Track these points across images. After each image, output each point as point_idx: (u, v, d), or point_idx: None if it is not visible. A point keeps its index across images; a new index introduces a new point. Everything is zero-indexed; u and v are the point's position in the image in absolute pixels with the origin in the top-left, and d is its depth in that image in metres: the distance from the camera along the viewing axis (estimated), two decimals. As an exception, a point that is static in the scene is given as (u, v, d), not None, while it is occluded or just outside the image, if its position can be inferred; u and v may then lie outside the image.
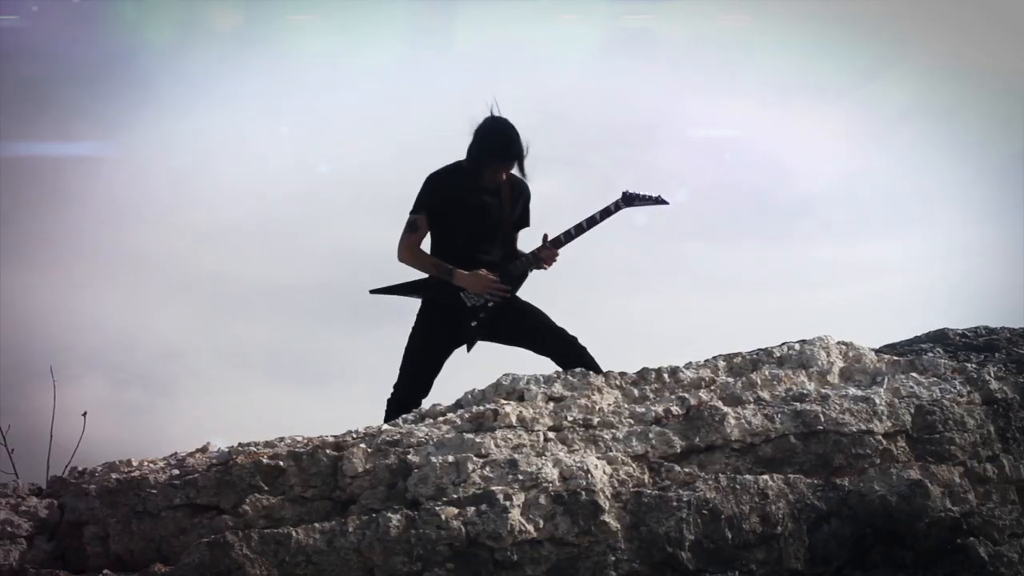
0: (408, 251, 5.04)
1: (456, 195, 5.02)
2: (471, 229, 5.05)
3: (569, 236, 5.00)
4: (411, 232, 5.03)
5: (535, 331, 5.00)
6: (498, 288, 5.01)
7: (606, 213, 4.97)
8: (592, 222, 5.00)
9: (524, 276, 5.08)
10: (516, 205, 5.12)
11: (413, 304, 5.20)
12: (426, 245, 5.11)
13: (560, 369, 4.66)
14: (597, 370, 4.77)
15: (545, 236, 5.07)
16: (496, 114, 5.00)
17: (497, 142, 5.00)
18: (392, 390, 5.07)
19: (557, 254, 5.05)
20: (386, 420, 4.91)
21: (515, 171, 5.02)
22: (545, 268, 5.08)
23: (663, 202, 5.00)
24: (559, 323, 5.04)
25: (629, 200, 4.97)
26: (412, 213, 5.05)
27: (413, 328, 5.11)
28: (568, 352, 4.90)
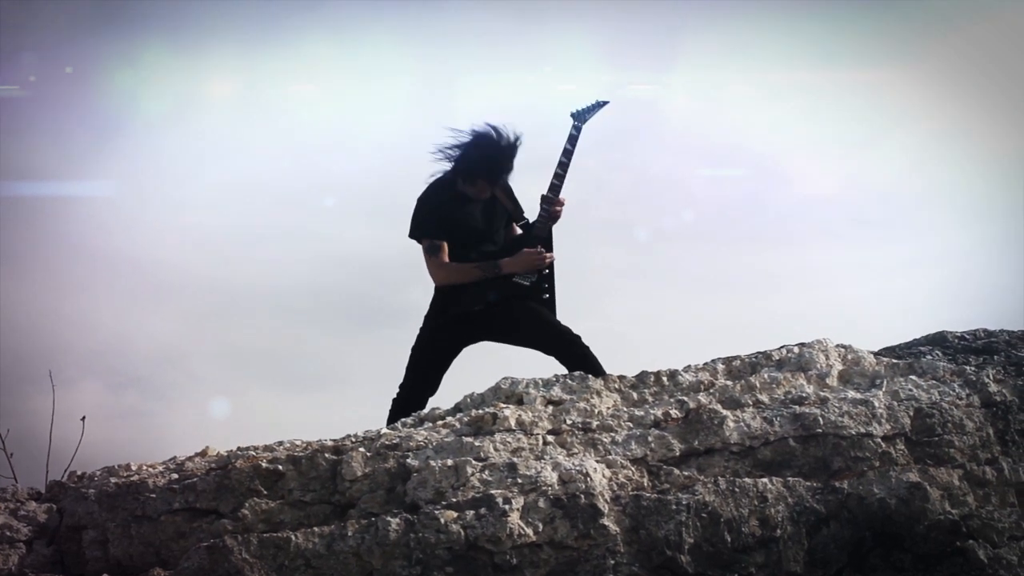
0: (444, 270, 5.02)
1: (452, 210, 5.05)
2: (477, 236, 5.06)
3: (560, 178, 5.05)
4: (435, 254, 5.01)
5: (541, 331, 5.01)
6: (543, 256, 5.05)
7: (572, 141, 5.04)
8: (568, 155, 5.05)
9: (551, 235, 5.11)
10: (509, 199, 5.17)
11: (412, 307, 5.20)
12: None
13: (559, 373, 4.65)
14: (599, 370, 4.78)
15: (542, 196, 5.08)
16: (497, 133, 5.03)
17: (492, 165, 5.04)
18: (398, 389, 5.06)
19: (560, 200, 5.07)
20: (390, 419, 4.92)
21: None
22: (559, 214, 5.09)
23: (605, 102, 5.09)
24: (563, 324, 5.05)
25: (580, 117, 5.05)
26: (423, 239, 5.03)
27: (421, 328, 5.11)
28: (571, 352, 4.90)
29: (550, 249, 5.09)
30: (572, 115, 5.05)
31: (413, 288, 5.17)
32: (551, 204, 5.05)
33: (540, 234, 5.07)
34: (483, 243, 5.07)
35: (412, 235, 5.07)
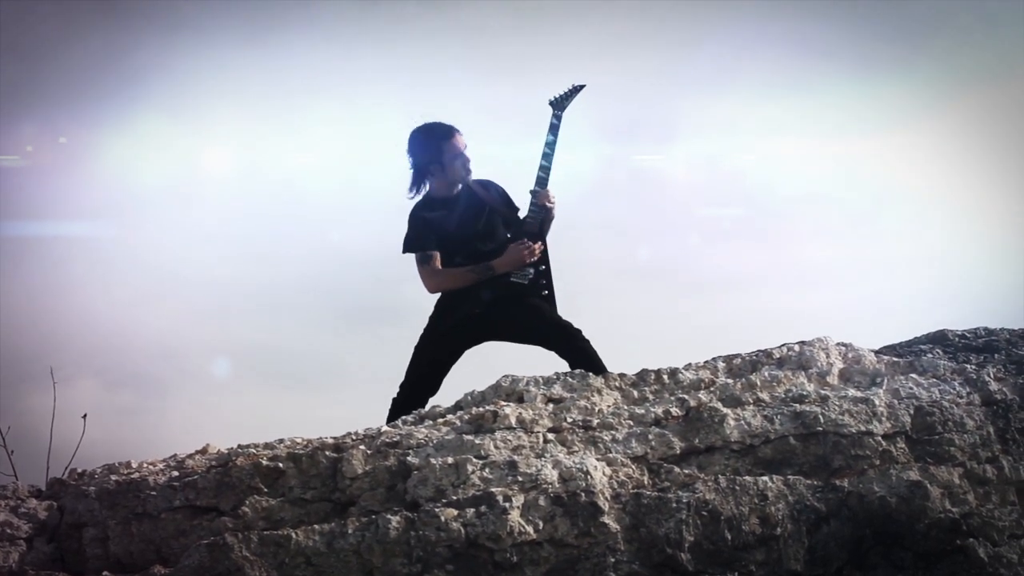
0: (437, 278, 5.03)
1: (441, 218, 5.07)
2: (469, 239, 5.06)
3: (545, 170, 5.02)
4: (427, 263, 5.01)
5: (541, 326, 5.01)
6: (531, 248, 5.03)
7: (554, 131, 4.99)
8: (551, 146, 5.01)
9: (541, 227, 5.09)
10: (497, 199, 5.17)
11: (410, 304, 5.20)
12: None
13: (560, 371, 4.65)
14: (599, 365, 4.77)
15: (530, 190, 5.07)
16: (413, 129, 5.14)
17: (431, 131, 5.10)
18: (398, 389, 5.06)
19: (548, 193, 5.05)
20: (389, 419, 4.92)
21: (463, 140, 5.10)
22: (551, 207, 5.07)
23: (581, 86, 5.03)
24: (564, 319, 5.05)
25: (559, 105, 4.99)
26: (416, 251, 5.04)
27: (425, 329, 5.11)
28: (572, 345, 4.90)
29: (540, 241, 5.08)
30: (551, 103, 5.00)
31: (409, 285, 5.17)
32: (539, 197, 5.04)
33: (530, 229, 5.05)
34: (473, 243, 5.06)
35: (404, 250, 5.10)
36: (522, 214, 5.12)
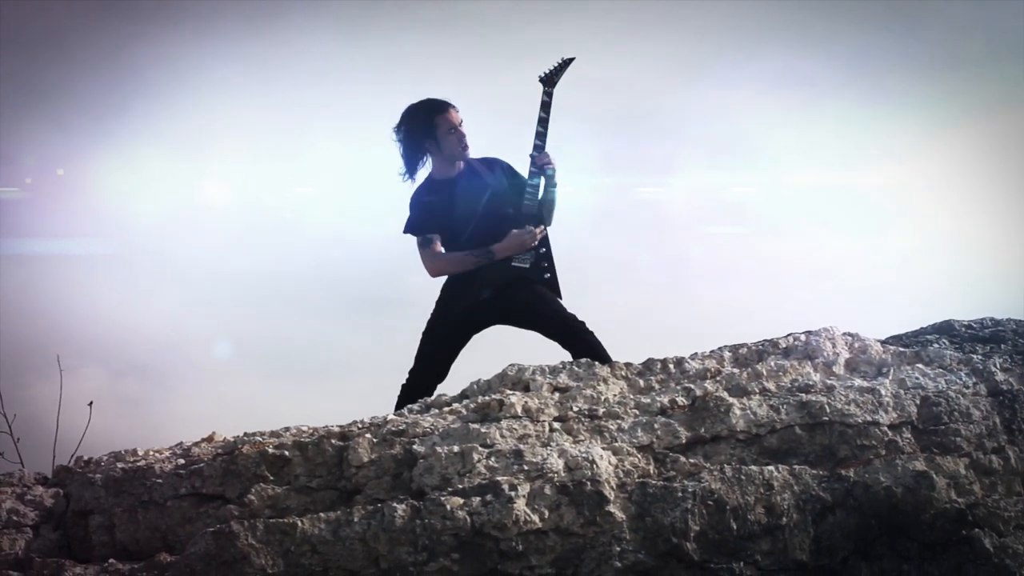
0: (438, 261, 4.99)
1: (442, 201, 5.02)
2: (470, 220, 5.04)
3: (539, 149, 4.95)
4: (428, 247, 4.98)
5: (546, 318, 5.00)
6: (532, 233, 5.00)
7: (546, 108, 4.93)
8: (544, 123, 4.95)
9: (540, 203, 5.04)
10: (501, 176, 5.10)
11: (415, 295, 5.19)
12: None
13: (566, 359, 4.65)
14: (604, 357, 4.77)
15: (530, 168, 5.01)
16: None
17: (423, 106, 5.00)
18: (407, 375, 5.06)
19: (547, 157, 4.99)
20: (398, 404, 4.92)
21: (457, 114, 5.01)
22: (551, 173, 5.00)
23: (571, 59, 4.96)
24: (569, 310, 5.03)
25: (550, 81, 4.92)
26: (417, 234, 5.01)
27: (432, 313, 5.10)
28: (575, 338, 4.89)
29: (539, 224, 5.04)
30: (541, 80, 4.92)
31: (416, 276, 5.17)
32: (542, 164, 4.96)
33: (528, 211, 5.03)
34: (475, 225, 5.02)
35: (405, 230, 5.07)
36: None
